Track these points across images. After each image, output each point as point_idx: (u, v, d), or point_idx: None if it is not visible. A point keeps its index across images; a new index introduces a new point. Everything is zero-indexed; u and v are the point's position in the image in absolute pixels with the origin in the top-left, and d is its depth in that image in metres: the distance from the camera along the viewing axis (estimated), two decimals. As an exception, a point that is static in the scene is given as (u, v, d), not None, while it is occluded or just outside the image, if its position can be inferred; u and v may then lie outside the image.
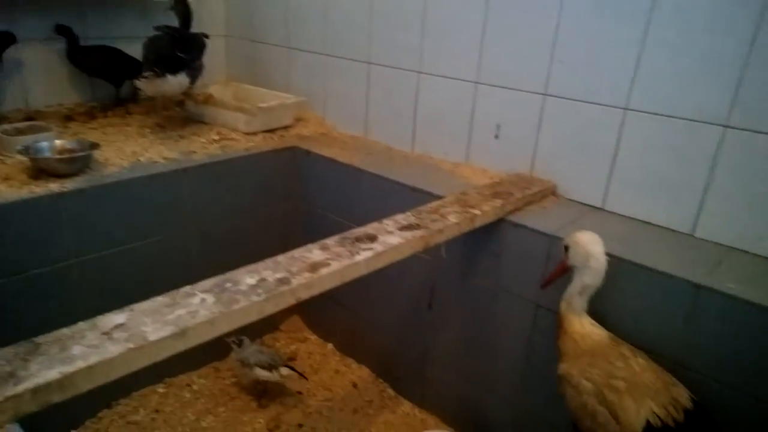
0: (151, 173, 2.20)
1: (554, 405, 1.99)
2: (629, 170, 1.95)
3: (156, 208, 2.24)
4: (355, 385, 2.62)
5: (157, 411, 2.38)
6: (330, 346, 2.86)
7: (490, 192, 2.02)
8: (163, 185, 2.24)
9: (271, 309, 1.32)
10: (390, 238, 1.62)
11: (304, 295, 1.38)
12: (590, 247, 1.60)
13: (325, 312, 2.85)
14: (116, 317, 1.19)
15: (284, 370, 2.44)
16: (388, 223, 1.72)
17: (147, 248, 2.25)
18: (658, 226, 1.93)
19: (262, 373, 2.39)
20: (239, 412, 2.41)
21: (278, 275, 1.38)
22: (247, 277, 1.37)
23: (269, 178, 2.62)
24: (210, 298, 1.28)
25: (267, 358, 2.40)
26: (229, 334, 2.26)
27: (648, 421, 1.41)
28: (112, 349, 1.09)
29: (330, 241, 1.59)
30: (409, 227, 1.69)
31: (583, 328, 1.62)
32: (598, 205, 2.06)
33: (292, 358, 2.76)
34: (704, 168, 1.78)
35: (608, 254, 1.68)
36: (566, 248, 1.66)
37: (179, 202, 2.31)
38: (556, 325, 1.70)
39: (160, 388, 2.50)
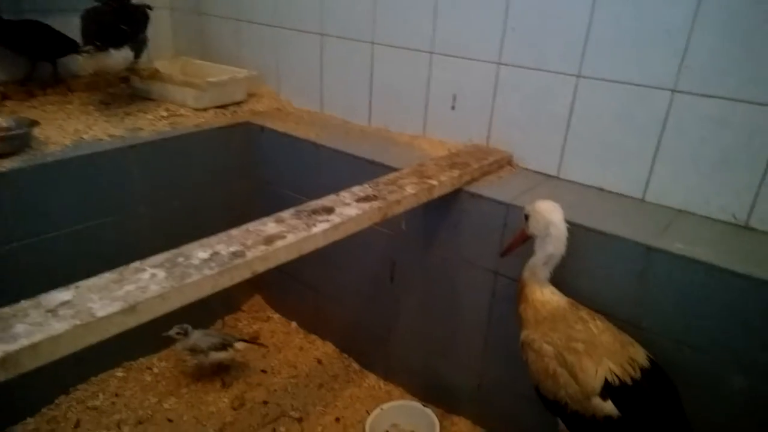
0: (95, 151, 2.11)
1: (516, 371, 2.03)
2: (582, 138, 1.98)
3: (103, 187, 2.15)
4: (319, 361, 2.62)
5: (116, 395, 2.32)
6: (293, 324, 2.85)
7: (448, 163, 2.02)
8: (110, 164, 2.15)
9: (226, 282, 1.29)
10: (347, 210, 1.60)
11: (260, 268, 1.35)
12: (550, 216, 1.60)
13: (287, 290, 2.82)
14: (61, 294, 1.14)
15: (239, 345, 2.44)
16: (345, 195, 1.70)
17: (96, 230, 2.16)
18: (611, 192, 1.97)
19: (219, 355, 2.36)
20: (202, 393, 2.38)
21: (232, 249, 1.35)
22: (199, 251, 1.33)
23: (222, 156, 2.55)
24: (161, 273, 1.24)
25: (217, 339, 2.37)
26: (170, 326, 2.29)
27: (606, 380, 1.45)
28: (58, 327, 1.04)
29: (285, 213, 1.56)
30: (366, 199, 1.68)
31: (543, 296, 1.63)
32: (554, 174, 2.09)
33: (255, 338, 2.73)
34: (654, 133, 1.82)
35: (570, 222, 1.70)
36: (526, 217, 1.67)
37: (128, 182, 2.22)
38: (517, 292, 1.72)
39: (119, 372, 2.44)
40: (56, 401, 2.25)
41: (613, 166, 1.94)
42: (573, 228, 1.71)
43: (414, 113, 2.40)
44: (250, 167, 2.66)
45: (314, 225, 1.50)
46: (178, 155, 2.36)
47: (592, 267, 1.73)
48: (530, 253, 1.67)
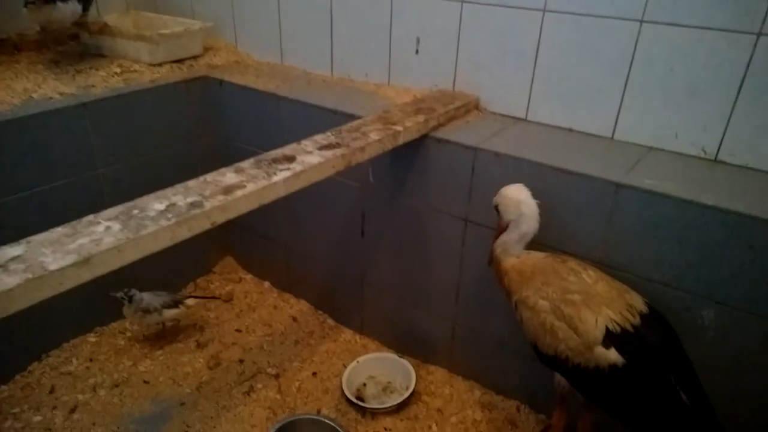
0: (46, 109, 2.00)
1: (490, 318, 2.06)
2: (550, 78, 1.94)
3: (56, 148, 2.05)
4: (294, 319, 2.60)
5: (90, 360, 2.28)
6: (266, 283, 2.82)
7: (413, 109, 1.96)
8: (62, 123, 2.04)
9: (184, 233, 1.24)
10: (309, 158, 1.55)
11: (220, 218, 1.30)
12: (518, 196, 1.59)
13: (259, 250, 2.78)
14: (11, 250, 1.09)
15: (190, 301, 2.44)
16: (307, 144, 1.64)
17: (51, 192, 2.07)
18: (580, 132, 1.95)
19: (172, 312, 2.34)
20: (177, 354, 2.35)
21: (189, 199, 1.30)
22: (155, 203, 1.28)
23: (180, 112, 2.45)
24: (115, 226, 1.18)
25: (167, 297, 2.34)
26: (116, 290, 2.22)
27: (607, 328, 1.41)
28: (9, 281, 0.99)
29: (245, 163, 1.50)
30: (329, 146, 1.63)
31: (520, 257, 1.62)
32: (522, 116, 2.06)
33: (229, 299, 2.70)
34: (622, 68, 1.79)
35: (538, 163, 1.71)
36: (497, 208, 1.64)
37: (82, 141, 2.12)
38: (493, 271, 1.68)
39: (92, 338, 2.39)
40: (29, 368, 2.21)
41: (582, 106, 1.91)
42: (539, 168, 1.70)
43: (377, 60, 2.33)
44: (210, 123, 2.57)
45: (275, 174, 1.44)
46: (134, 113, 2.26)
47: (561, 209, 1.71)
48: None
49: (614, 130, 1.88)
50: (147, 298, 2.27)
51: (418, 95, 2.18)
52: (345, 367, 2.25)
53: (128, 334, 2.43)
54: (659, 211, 1.56)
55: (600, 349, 1.40)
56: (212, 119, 2.56)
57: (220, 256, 2.92)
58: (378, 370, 2.30)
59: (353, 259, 2.38)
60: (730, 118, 1.66)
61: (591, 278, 1.52)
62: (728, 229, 1.46)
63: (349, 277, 2.44)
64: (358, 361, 2.29)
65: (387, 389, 2.23)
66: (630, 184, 1.59)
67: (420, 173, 2.00)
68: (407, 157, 2.00)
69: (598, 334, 1.40)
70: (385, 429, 2.04)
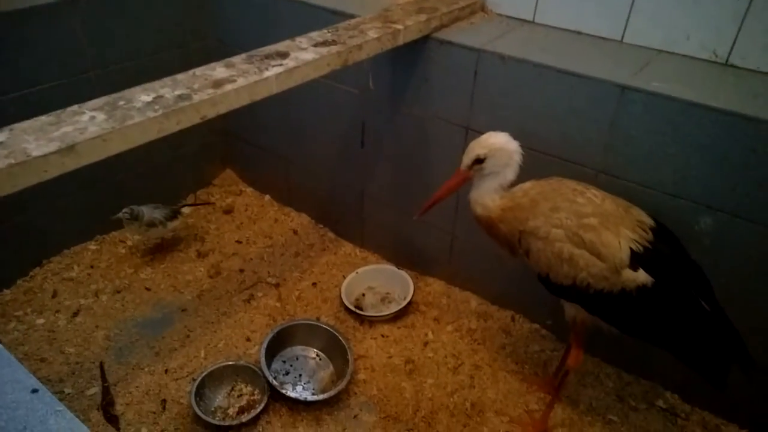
0: (32, 5, 1.92)
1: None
2: (560, -25, 1.83)
3: (44, 47, 1.98)
4: (295, 232, 2.62)
5: (92, 267, 2.33)
6: (267, 197, 2.82)
7: (415, 8, 1.87)
8: (48, 21, 1.96)
9: (172, 126, 1.21)
10: (303, 55, 1.49)
11: (210, 112, 1.27)
12: (510, 146, 1.45)
13: (259, 163, 2.76)
14: (-8, 137, 1.06)
15: (186, 210, 2.47)
16: (302, 40, 1.58)
17: (39, 95, 2.02)
18: (589, 35, 1.86)
19: (174, 224, 2.35)
20: (178, 263, 2.39)
21: (178, 92, 1.26)
22: (142, 95, 1.24)
23: (174, 14, 2.35)
24: (100, 116, 1.16)
25: (165, 209, 2.34)
26: (116, 200, 2.20)
27: (631, 249, 1.34)
28: (-10, 166, 0.98)
29: (236, 58, 1.45)
30: (324, 43, 1.56)
31: (503, 198, 1.48)
32: (529, 19, 1.96)
33: (229, 210, 2.71)
34: (636, -35, 1.68)
35: (543, 65, 1.64)
36: (482, 160, 1.45)
37: (71, 41, 2.05)
38: (484, 228, 1.55)
39: (93, 246, 2.43)
40: (31, 273, 2.26)
41: (591, 7, 1.80)
42: (544, 70, 1.63)
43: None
44: (207, 26, 2.47)
45: (267, 69, 1.39)
46: (125, 15, 2.17)
47: (563, 113, 1.66)
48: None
49: (624, 33, 1.79)
50: (148, 212, 2.27)
51: (421, -4, 2.07)
52: (344, 278, 2.28)
53: (129, 243, 2.46)
54: (664, 115, 1.51)
55: (628, 272, 1.34)
56: (208, 22, 2.47)
57: (219, 169, 2.91)
58: (377, 281, 2.34)
59: (353, 171, 2.36)
60: (744, 19, 1.57)
61: (597, 197, 1.42)
62: (732, 133, 1.42)
63: (350, 190, 2.43)
64: (357, 272, 2.32)
65: (385, 299, 2.27)
66: (636, 86, 1.53)
67: (421, 78, 1.94)
68: (408, 61, 1.92)
69: (624, 256, 1.34)
70: (382, 335, 2.10)
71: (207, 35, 2.49)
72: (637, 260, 1.34)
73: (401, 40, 1.73)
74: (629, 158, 1.61)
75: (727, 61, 1.64)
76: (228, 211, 2.71)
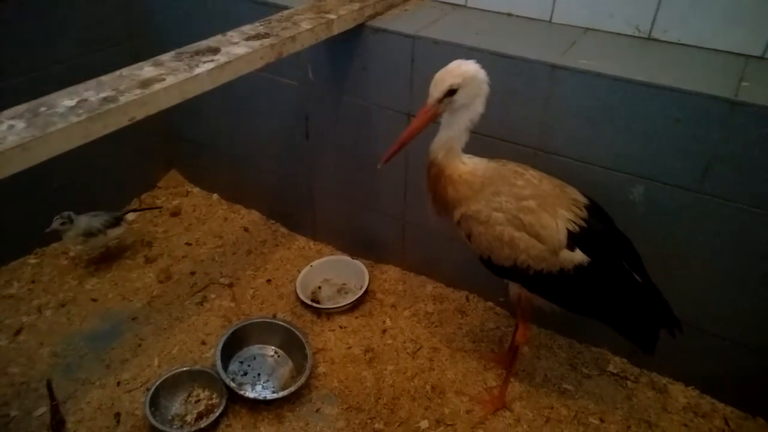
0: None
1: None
2: (489, -41, 1.85)
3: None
4: (246, 229, 2.58)
5: (33, 281, 2.24)
6: (215, 196, 2.76)
7: (349, -4, 1.86)
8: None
9: (99, 130, 1.16)
10: (235, 49, 1.46)
11: (139, 113, 1.23)
12: (482, 75, 1.36)
13: (205, 162, 2.70)
14: None
15: (130, 216, 2.39)
16: (233, 35, 1.55)
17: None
18: (519, 16, 1.89)
19: (116, 232, 2.28)
20: (125, 271, 2.32)
21: (103, 94, 1.21)
22: (64, 100, 1.19)
23: (103, 13, 2.27)
24: (20, 124, 1.11)
25: (107, 216, 2.26)
26: (55, 212, 2.10)
27: (568, 230, 1.38)
28: None
29: (165, 56, 1.41)
30: (257, 36, 1.54)
31: (467, 165, 1.45)
32: (462, 3, 1.98)
33: (176, 212, 2.64)
34: (559, -55, 1.72)
35: (476, 48, 1.64)
36: (453, 91, 1.35)
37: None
38: (432, 177, 1.49)
39: (32, 260, 2.33)
40: (-33, 295, 2.15)
41: (521, -12, 1.84)
42: (478, 53, 1.65)
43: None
44: (135, 25, 2.39)
45: (197, 66, 1.36)
46: (47, 11, 2.07)
47: (499, 94, 1.67)
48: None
49: (552, 13, 1.83)
50: (85, 220, 2.18)
51: (354, -15, 2.06)
52: (299, 272, 2.27)
53: (71, 254, 2.36)
54: (593, 91, 1.56)
55: (566, 253, 1.38)
56: (137, 20, 2.38)
57: (164, 171, 2.83)
58: (332, 272, 2.33)
59: (300, 163, 2.34)
60: (663, -8, 1.63)
61: (535, 178, 1.45)
62: (657, 104, 1.48)
63: (298, 182, 2.41)
64: (311, 266, 2.31)
65: (342, 290, 2.27)
66: (565, 65, 1.57)
67: (360, 67, 1.93)
68: (346, 51, 1.92)
69: (562, 238, 1.37)
70: (340, 327, 2.10)
71: (137, 34, 2.41)
72: (573, 240, 1.39)
73: (335, 30, 1.72)
74: (564, 135, 1.66)
75: (649, 35, 1.70)
76: (175, 213, 2.64)
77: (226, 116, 2.43)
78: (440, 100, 1.37)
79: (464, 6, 1.97)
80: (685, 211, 1.57)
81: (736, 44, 1.58)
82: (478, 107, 1.39)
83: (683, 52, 1.63)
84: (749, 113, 1.37)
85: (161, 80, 1.29)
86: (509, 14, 1.90)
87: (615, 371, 1.91)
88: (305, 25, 1.62)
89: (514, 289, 1.57)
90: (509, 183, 1.43)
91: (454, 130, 1.41)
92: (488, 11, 1.93)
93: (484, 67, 1.37)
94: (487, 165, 1.47)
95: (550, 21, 1.84)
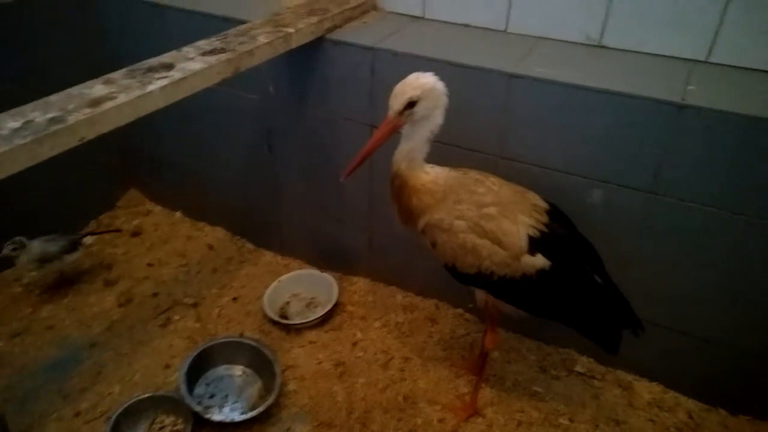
0: None
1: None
2: (444, -28, 1.88)
3: None
4: (211, 247, 2.53)
5: (-18, 313, 2.14)
6: (178, 214, 2.70)
7: (306, 10, 1.86)
8: None
9: (46, 152, 1.12)
10: (190, 65, 1.44)
11: (89, 133, 1.19)
12: (441, 86, 1.38)
13: (166, 179, 2.64)
14: None
15: (88, 239, 2.32)
16: (189, 50, 1.52)
17: None
18: (476, 27, 1.92)
19: (73, 257, 2.20)
20: (83, 295, 2.24)
21: (50, 115, 1.18)
22: (9, 122, 1.15)
23: (52, 33, 2.20)
24: (-40, 149, 1.06)
25: (63, 241, 2.17)
26: (14, 235, 2.03)
27: (529, 236, 1.40)
28: None
29: (116, 74, 1.37)
30: (212, 52, 1.52)
31: (430, 175, 1.46)
32: (419, 15, 2.00)
33: (137, 233, 2.58)
34: (510, -43, 1.76)
35: (435, 59, 1.66)
36: (414, 103, 1.36)
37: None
38: (396, 188, 1.50)
39: (-19, 290, 2.24)
40: None
41: (476, 0, 1.87)
42: (436, 64, 1.67)
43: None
44: (90, 44, 2.33)
45: (150, 83, 1.33)
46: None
47: (460, 104, 1.69)
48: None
49: (507, 23, 1.87)
50: (39, 246, 2.10)
51: (311, -2, 2.06)
52: (267, 288, 2.23)
53: (25, 280, 2.27)
54: (548, 98, 1.59)
55: (527, 258, 1.39)
56: (92, 39, 2.32)
57: (123, 189, 2.76)
58: (300, 287, 2.30)
59: (265, 177, 2.32)
60: (610, 2, 1.68)
61: (496, 185, 1.47)
62: (610, 109, 1.52)
63: (264, 197, 2.38)
64: (279, 281, 2.28)
65: (311, 305, 2.25)
66: (521, 73, 1.60)
67: (321, 80, 1.93)
68: (306, 64, 1.91)
69: (523, 243, 1.39)
70: (310, 342, 2.07)
71: (92, 54, 2.34)
72: (534, 245, 1.41)
73: (294, 44, 1.71)
74: (523, 141, 1.69)
75: (599, 42, 1.75)
76: (136, 233, 2.58)
77: (187, 132, 2.39)
78: (401, 113, 1.38)
79: (422, 18, 1.99)
80: (641, 212, 1.61)
81: (681, 49, 1.63)
82: (438, 118, 1.41)
83: (632, 58, 1.68)
84: (695, 116, 1.42)
85: (113, 98, 1.26)
86: (466, 25, 1.93)
87: (582, 371, 1.93)
88: (263, 39, 1.61)
89: (481, 295, 1.57)
90: (470, 191, 1.45)
91: (415, 141, 1.42)
92: (446, 22, 1.96)
93: (443, 77, 1.40)
94: (448, 174, 1.49)
95: (505, 31, 1.87)
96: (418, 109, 1.37)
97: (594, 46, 1.76)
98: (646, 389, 1.87)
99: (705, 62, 1.62)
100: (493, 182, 1.48)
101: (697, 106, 1.41)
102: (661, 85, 1.50)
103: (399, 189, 1.49)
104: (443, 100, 1.40)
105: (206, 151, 2.41)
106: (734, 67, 1.59)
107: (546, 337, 2.02)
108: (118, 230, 2.56)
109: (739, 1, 1.50)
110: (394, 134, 1.44)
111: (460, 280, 1.53)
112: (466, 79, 1.66)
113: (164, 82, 1.34)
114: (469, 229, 1.41)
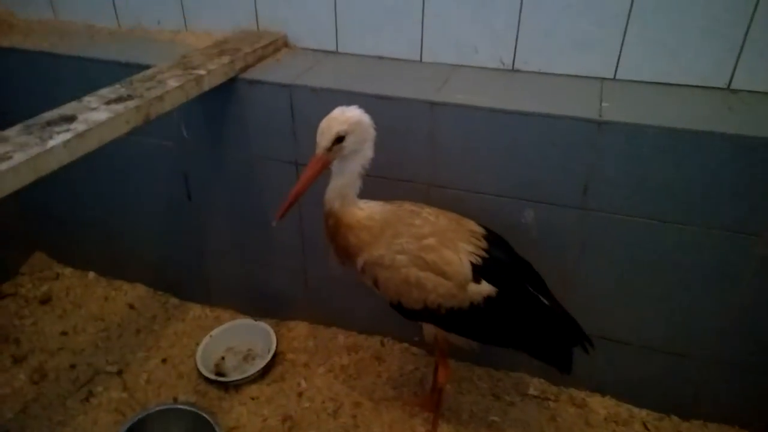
0: None
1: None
2: (352, 4, 1.86)
3: None
4: (132, 306, 2.35)
5: None
6: (91, 274, 2.49)
7: (216, 51, 1.79)
8: None
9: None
10: (94, 115, 1.32)
11: (-20, 200, 1.06)
12: (366, 119, 1.36)
13: (76, 238, 2.44)
14: None
15: None
16: (90, 100, 1.41)
17: None
18: (391, 58, 1.92)
19: None
20: (-12, 377, 1.99)
21: (-69, 183, 1.03)
22: None
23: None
24: None
25: None
26: None
27: (471, 263, 1.37)
28: None
29: (10, 131, 1.24)
30: (118, 100, 1.41)
31: (365, 211, 1.42)
32: (333, 49, 1.98)
33: (46, 300, 2.34)
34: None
35: (356, 93, 1.64)
36: (342, 138, 1.33)
37: None
38: (331, 227, 1.45)
39: None
40: None
41: (388, 32, 1.87)
42: (356, 97, 1.63)
43: (169, 4, 2.07)
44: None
45: (51, 138, 1.21)
46: None
47: (385, 136, 1.64)
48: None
49: (421, 53, 1.88)
50: None
51: (219, 40, 1.99)
52: (198, 345, 2.08)
53: None
54: (472, 123, 1.60)
55: (473, 286, 1.37)
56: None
57: (26, 254, 2.52)
58: (235, 339, 2.17)
59: (187, 227, 2.18)
60: (519, 27, 1.73)
61: (432, 215, 1.45)
62: (533, 130, 1.55)
63: (187, 247, 2.24)
64: (211, 335, 2.13)
65: (248, 357, 2.12)
66: (442, 101, 1.61)
67: (238, 121, 1.85)
68: (222, 105, 1.83)
69: (467, 271, 1.36)
70: (252, 398, 1.94)
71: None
72: (478, 272, 1.38)
73: (206, 86, 1.63)
74: (452, 168, 1.69)
75: (513, 67, 1.80)
76: (45, 300, 2.34)
77: (96, 186, 2.22)
78: (329, 149, 1.34)
79: (336, 52, 1.97)
80: (574, 228, 1.64)
81: (590, 68, 1.70)
82: (368, 152, 1.39)
83: (545, 79, 1.74)
84: (614, 131, 1.47)
85: (8, 158, 1.12)
86: (380, 57, 1.93)
87: (536, 393, 1.93)
88: (173, 83, 1.52)
89: (430, 330, 1.53)
90: (407, 223, 1.42)
91: (346, 177, 1.39)
92: (360, 55, 1.94)
93: (366, 110, 1.37)
94: (383, 208, 1.46)
95: (420, 61, 1.89)
96: (347, 144, 1.34)
97: (508, 70, 1.80)
98: (600, 404, 1.89)
99: (613, 79, 1.69)
100: (429, 213, 1.46)
101: (615, 121, 1.46)
102: (578, 103, 1.55)
103: (334, 228, 1.44)
104: (371, 133, 1.38)
105: (119, 204, 2.25)
106: (639, 82, 1.67)
107: (495, 362, 2.00)
108: (11, 295, 2.31)
109: (638, 19, 1.59)
110: (324, 171, 1.38)
111: (407, 317, 1.48)
112: (389, 110, 1.64)
113: (67, 136, 1.22)
114: (410, 263, 1.37)
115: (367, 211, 1.43)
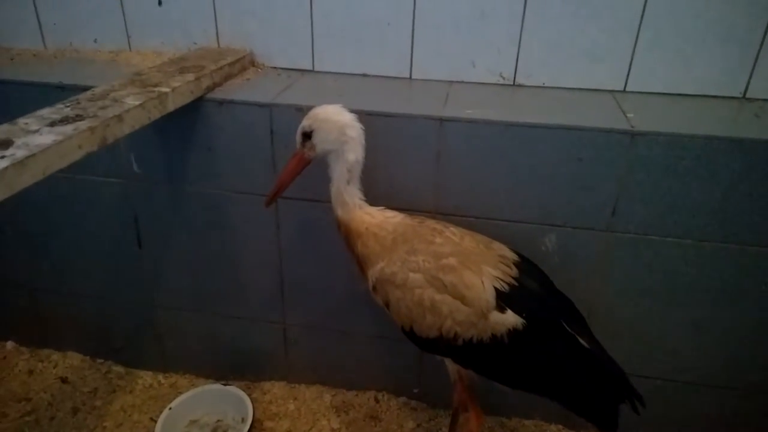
0: None
1: (324, 306, 1.77)
2: (331, 18, 1.67)
3: None
4: (65, 380, 1.97)
5: None
6: (10, 344, 2.10)
7: (175, 68, 1.53)
8: None
9: None
10: (37, 139, 1.02)
11: None
12: (341, 117, 1.27)
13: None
14: None
15: None
16: (28, 122, 1.10)
17: None
18: (377, 76, 1.73)
19: None
20: None
21: None
22: None
23: None
24: None
25: None
26: None
27: (495, 289, 1.20)
28: None
29: None
30: (65, 120, 1.11)
31: (374, 217, 1.32)
32: (309, 68, 1.77)
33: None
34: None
35: (352, 110, 1.40)
36: (308, 135, 1.29)
37: None
38: (344, 236, 1.36)
39: None
40: None
41: (373, 47, 1.69)
42: (358, 116, 1.43)
43: (108, 20, 1.80)
44: None
45: (-22, 168, 0.89)
46: None
47: (386, 157, 1.49)
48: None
49: (411, 69, 1.71)
50: None
51: (174, 57, 1.71)
52: (154, 420, 1.75)
53: None
54: (486, 140, 1.44)
55: (496, 315, 1.19)
56: None
57: None
58: (200, 410, 1.84)
59: (134, 280, 1.86)
60: (520, 40, 1.61)
61: (456, 235, 1.30)
62: (556, 145, 1.40)
63: (134, 304, 1.91)
64: (171, 408, 1.79)
65: (218, 429, 1.80)
66: (452, 116, 1.44)
67: (204, 149, 1.58)
68: (182, 131, 1.56)
69: (490, 297, 1.20)
70: (228, 480, 1.61)
71: None
72: (503, 300, 1.20)
73: (171, 106, 1.36)
74: (461, 192, 1.51)
75: (514, 81, 1.66)
76: (-51, 383, 1.89)
77: (17, 236, 1.86)
78: (302, 144, 1.32)
79: (312, 71, 1.76)
80: (600, 253, 1.49)
81: (599, 81, 1.60)
82: (349, 154, 1.29)
83: (551, 94, 1.61)
84: (649, 142, 1.35)
85: None
86: (364, 75, 1.74)
87: (557, 442, 1.74)
88: (132, 101, 1.24)
89: (451, 366, 1.35)
90: (427, 240, 1.27)
91: (336, 181, 1.32)
92: (341, 74, 1.75)
93: (370, 133, 1.23)
94: (401, 220, 1.32)
95: (410, 78, 1.71)
96: (316, 141, 1.29)
97: (509, 85, 1.66)
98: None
99: (623, 92, 1.59)
100: (453, 232, 1.31)
101: (650, 131, 1.34)
102: (601, 116, 1.42)
103: (346, 236, 1.36)
104: (350, 134, 1.28)
105: (49, 257, 1.89)
106: (650, 93, 1.58)
107: (504, 410, 1.81)
108: None
109: (650, 26, 1.50)
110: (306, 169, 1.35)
111: (421, 347, 1.30)
112: (392, 128, 1.46)
113: (3, 164, 0.91)
114: (426, 283, 1.22)
115: (379, 218, 1.32)
